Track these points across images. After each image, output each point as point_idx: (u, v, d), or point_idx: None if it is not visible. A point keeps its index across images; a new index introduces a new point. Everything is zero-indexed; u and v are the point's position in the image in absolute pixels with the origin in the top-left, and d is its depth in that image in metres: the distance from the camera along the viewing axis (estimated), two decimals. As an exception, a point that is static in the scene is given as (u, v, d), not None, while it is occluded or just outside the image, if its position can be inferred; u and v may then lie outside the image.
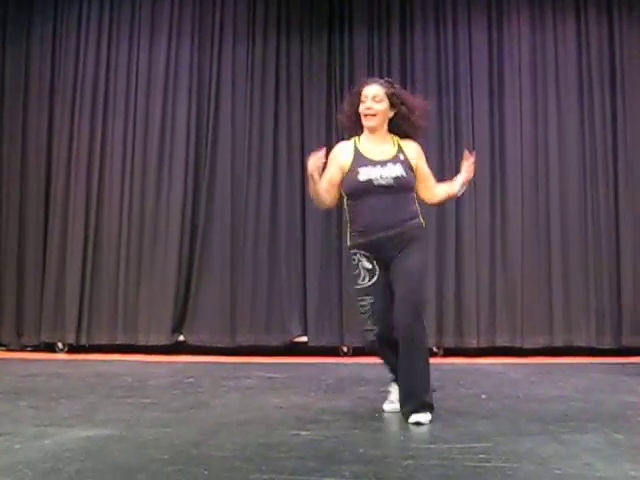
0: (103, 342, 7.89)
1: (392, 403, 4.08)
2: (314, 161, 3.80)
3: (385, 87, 4.03)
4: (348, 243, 4.05)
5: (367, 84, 4.05)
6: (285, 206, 8.12)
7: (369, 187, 3.85)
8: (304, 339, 7.98)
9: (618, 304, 7.74)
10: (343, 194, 4.05)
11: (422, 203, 4.20)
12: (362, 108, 3.99)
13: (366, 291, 3.90)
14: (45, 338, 7.95)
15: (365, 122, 4.00)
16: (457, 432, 3.44)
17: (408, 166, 3.95)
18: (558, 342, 7.74)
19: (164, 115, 8.23)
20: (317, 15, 8.33)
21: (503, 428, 3.55)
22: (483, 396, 4.70)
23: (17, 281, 8.10)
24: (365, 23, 8.27)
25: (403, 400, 3.80)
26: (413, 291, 3.82)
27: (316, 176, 3.84)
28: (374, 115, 3.97)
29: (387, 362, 4.07)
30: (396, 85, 4.17)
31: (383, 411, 4.05)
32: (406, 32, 8.25)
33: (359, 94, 4.02)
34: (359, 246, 3.92)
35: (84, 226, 8.07)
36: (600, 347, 7.60)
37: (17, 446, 3.06)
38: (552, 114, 8.05)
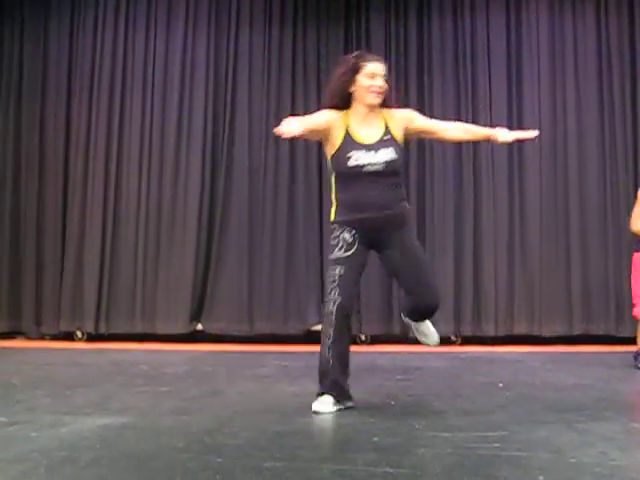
0: (121, 331, 7.95)
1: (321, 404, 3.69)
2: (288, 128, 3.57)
3: (385, 66, 3.92)
4: (332, 217, 3.92)
5: (372, 60, 3.88)
6: (302, 194, 8.12)
7: (359, 172, 3.76)
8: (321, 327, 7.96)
9: (638, 292, 7.67)
10: (330, 170, 3.95)
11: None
12: (370, 84, 3.78)
13: (339, 261, 3.78)
14: (64, 327, 8.02)
15: (372, 99, 3.81)
16: (473, 421, 3.42)
17: (397, 145, 3.84)
18: (577, 330, 7.72)
19: (181, 106, 8.26)
20: (333, 2, 8.29)
21: (519, 417, 3.52)
22: (500, 384, 4.68)
23: (36, 270, 8.17)
24: (382, 9, 8.25)
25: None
26: (426, 273, 3.91)
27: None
28: (382, 93, 3.83)
29: (335, 341, 3.75)
30: None
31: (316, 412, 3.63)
32: (423, 19, 8.22)
33: (359, 69, 3.81)
34: (345, 222, 3.82)
35: (102, 216, 8.12)
36: (619, 335, 7.54)
37: (33, 434, 3.07)
38: (571, 101, 8.00)
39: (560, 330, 7.73)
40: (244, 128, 8.21)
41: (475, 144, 7.78)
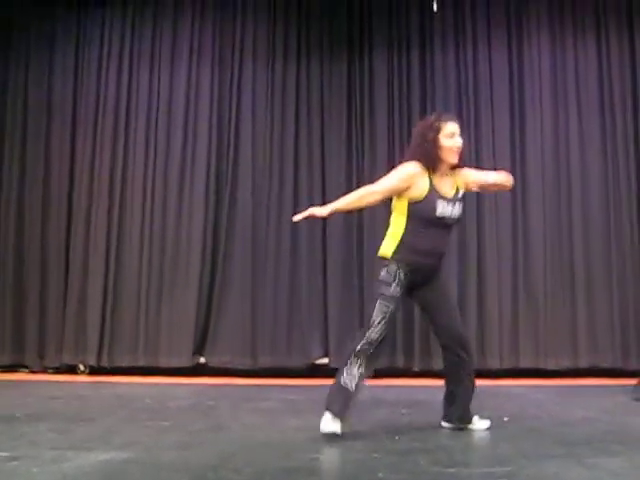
0: (124, 364, 7.88)
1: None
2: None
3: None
4: (390, 254, 4.15)
5: (451, 120, 4.19)
6: (306, 229, 8.08)
7: (441, 222, 4.10)
8: (325, 361, 7.93)
9: (644, 325, 7.64)
10: (411, 217, 4.15)
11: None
12: (451, 144, 4.11)
13: (391, 300, 4.05)
14: (67, 360, 7.96)
15: (452, 158, 4.13)
16: (478, 455, 3.39)
17: (463, 203, 4.22)
18: (582, 363, 7.64)
19: (185, 141, 8.27)
20: (337, 37, 8.34)
21: (526, 451, 3.48)
22: (505, 418, 4.63)
23: (39, 303, 8.13)
24: (385, 45, 8.27)
25: (464, 413, 4.24)
26: (458, 323, 4.30)
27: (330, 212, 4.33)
28: (459, 152, 4.15)
29: (367, 373, 4.12)
30: None
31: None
32: (426, 53, 8.24)
33: (440, 129, 4.11)
34: (408, 263, 4.08)
35: (105, 249, 8.09)
36: (626, 369, 7.48)
37: (35, 470, 3.04)
38: (573, 133, 8.00)
39: (566, 363, 7.66)
40: (247, 163, 8.22)
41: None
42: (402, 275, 4.07)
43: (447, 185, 4.17)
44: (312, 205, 8.01)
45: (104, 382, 7.25)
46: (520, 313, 7.79)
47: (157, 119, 8.34)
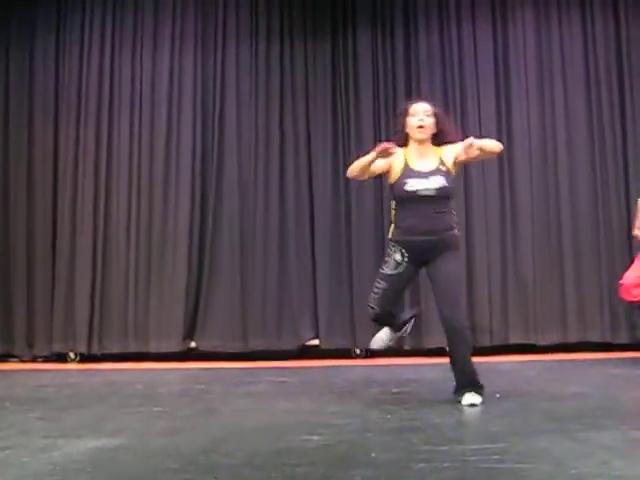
0: (115, 351, 7.87)
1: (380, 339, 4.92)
2: (387, 147, 4.27)
3: (431, 105, 4.55)
4: (390, 236, 4.59)
5: (414, 102, 4.58)
6: (294, 210, 8.08)
7: (415, 196, 4.35)
8: (316, 342, 7.94)
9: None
10: (391, 197, 4.61)
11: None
12: (414, 122, 4.44)
13: (385, 278, 4.49)
14: (56, 348, 7.94)
15: (417, 134, 4.45)
16: (470, 432, 3.40)
17: (449, 175, 4.41)
18: (572, 338, 7.68)
19: (169, 125, 8.21)
20: (320, 17, 8.29)
21: (517, 427, 3.49)
22: (497, 395, 4.62)
23: (27, 292, 8.09)
24: (368, 24, 8.23)
25: (457, 386, 4.43)
26: (452, 292, 4.38)
27: (376, 156, 4.33)
28: (424, 127, 4.44)
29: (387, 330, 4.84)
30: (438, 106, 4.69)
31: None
32: (410, 32, 8.20)
33: (407, 112, 4.50)
34: (399, 242, 4.46)
35: (92, 236, 8.05)
36: (615, 342, 7.52)
37: (25, 459, 3.02)
38: (559, 111, 8.01)
39: (555, 338, 7.69)
40: (233, 147, 8.17)
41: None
42: (398, 256, 4.44)
43: (426, 161, 4.44)
44: (299, 187, 8.09)
45: (94, 369, 7.23)
46: (509, 290, 7.82)
47: (141, 105, 8.27)
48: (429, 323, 7.60)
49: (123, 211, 8.10)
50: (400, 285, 4.56)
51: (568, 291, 7.75)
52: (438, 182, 4.35)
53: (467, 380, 4.40)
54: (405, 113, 4.52)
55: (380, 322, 4.75)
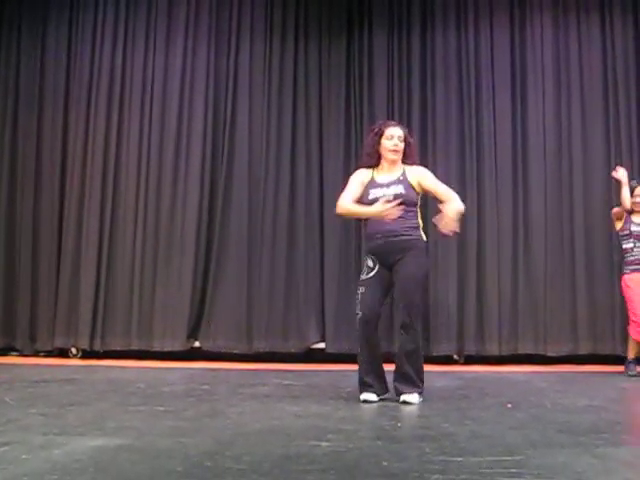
0: (117, 348, 7.79)
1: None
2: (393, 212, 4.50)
3: (404, 130, 4.90)
4: (365, 245, 5.08)
5: (390, 125, 4.88)
6: (303, 212, 8.00)
7: (375, 203, 4.61)
8: (321, 345, 7.83)
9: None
10: None
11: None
12: (389, 145, 4.76)
13: (362, 283, 4.73)
14: (58, 343, 7.87)
15: (390, 156, 4.78)
16: (485, 443, 3.27)
17: (408, 185, 4.69)
18: (582, 350, 7.58)
19: (180, 119, 8.15)
20: (336, 17, 8.22)
21: (533, 440, 3.37)
22: (509, 405, 4.52)
23: (31, 286, 8.02)
24: (385, 24, 8.17)
25: (395, 381, 4.64)
26: (407, 292, 4.60)
27: (376, 215, 4.58)
28: (398, 152, 4.79)
29: (362, 348, 4.68)
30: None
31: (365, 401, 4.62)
32: (427, 34, 8.16)
33: (382, 134, 4.79)
34: (368, 249, 4.84)
35: (99, 231, 7.98)
36: (625, 355, 7.38)
37: (24, 456, 2.91)
38: (576, 115, 7.96)
39: (565, 349, 7.58)
40: (244, 145, 8.10)
41: (479, 161, 7.81)
42: (370, 262, 4.74)
43: (390, 175, 4.76)
44: (310, 188, 7.98)
45: (96, 366, 7.14)
46: (520, 300, 7.75)
47: (152, 101, 8.24)
48: (436, 331, 7.51)
49: (131, 208, 8.02)
50: (376, 288, 4.68)
51: (580, 303, 7.66)
52: (397, 189, 4.66)
53: (407, 379, 4.59)
54: (380, 134, 4.81)
55: (367, 327, 4.63)
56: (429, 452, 3.07)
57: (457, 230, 4.55)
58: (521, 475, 2.66)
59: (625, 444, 3.32)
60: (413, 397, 4.54)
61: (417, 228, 4.72)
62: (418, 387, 4.62)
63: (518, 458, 2.94)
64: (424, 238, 4.76)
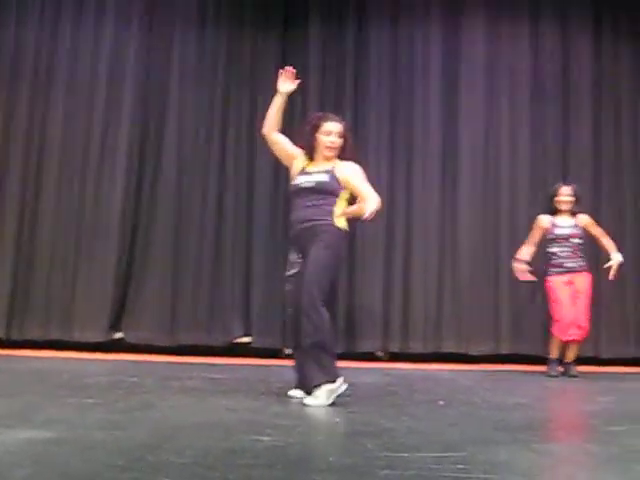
0: (35, 337, 7.54)
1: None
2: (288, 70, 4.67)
3: (342, 125, 4.71)
4: None
5: (329, 120, 4.69)
6: (231, 203, 7.91)
7: (297, 189, 4.59)
8: (245, 340, 7.77)
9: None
10: None
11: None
12: (326, 141, 4.61)
13: (287, 279, 4.90)
14: (-27, 332, 7.55)
15: (327, 152, 4.63)
16: (425, 440, 3.26)
17: (333, 177, 4.56)
18: (504, 350, 7.72)
19: (108, 105, 7.94)
20: (272, 7, 8.14)
21: (472, 436, 3.38)
22: (440, 402, 4.55)
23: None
24: (319, 19, 8.15)
25: (298, 382, 4.56)
26: (311, 274, 4.37)
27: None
28: (334, 149, 4.65)
29: (295, 347, 4.60)
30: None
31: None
32: (362, 29, 8.16)
33: (319, 127, 4.64)
34: (288, 238, 4.85)
35: (18, 216, 7.72)
36: (546, 356, 7.55)
37: (-50, 449, 2.77)
38: (505, 116, 8.12)
39: (487, 349, 7.71)
40: (174, 128, 7.96)
41: (409, 163, 7.88)
42: (292, 255, 4.85)
43: (320, 166, 4.62)
44: (238, 179, 7.89)
45: (15, 356, 6.89)
46: (444, 298, 7.84)
47: (79, 84, 7.99)
48: (362, 328, 7.55)
49: (53, 192, 7.79)
50: (301, 283, 4.45)
51: (502, 303, 7.82)
52: (319, 177, 4.55)
53: (306, 384, 4.42)
54: (317, 128, 4.66)
55: (295, 326, 4.47)
56: (372, 448, 3.04)
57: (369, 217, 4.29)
58: (469, 471, 2.65)
59: (559, 441, 3.36)
60: (312, 400, 4.29)
61: (331, 214, 4.49)
62: (304, 385, 4.44)
63: (462, 454, 2.94)
64: (339, 225, 4.48)
